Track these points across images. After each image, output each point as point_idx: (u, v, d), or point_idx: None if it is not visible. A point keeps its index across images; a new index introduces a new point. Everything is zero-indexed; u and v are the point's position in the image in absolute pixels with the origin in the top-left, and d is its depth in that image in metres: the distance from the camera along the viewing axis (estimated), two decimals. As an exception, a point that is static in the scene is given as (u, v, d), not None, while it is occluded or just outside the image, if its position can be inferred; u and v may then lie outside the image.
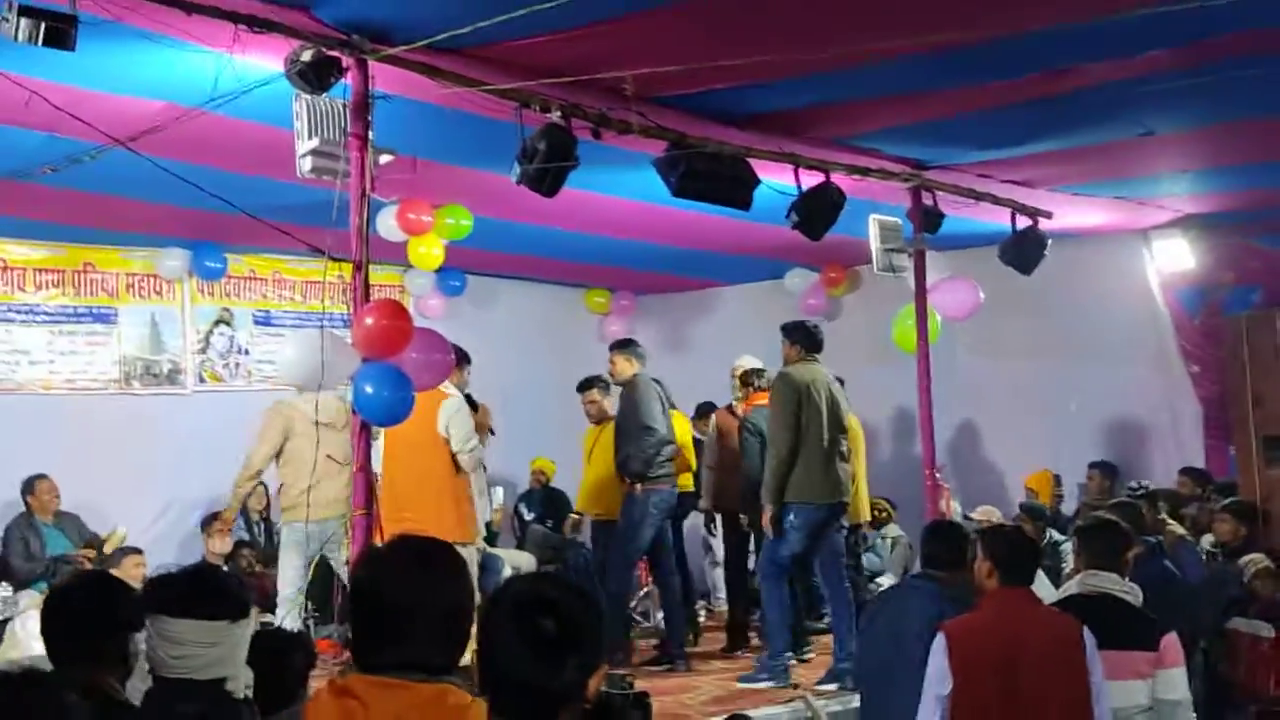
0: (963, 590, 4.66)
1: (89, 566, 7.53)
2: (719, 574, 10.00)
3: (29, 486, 8.60)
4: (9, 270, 9.22)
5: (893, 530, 10.10)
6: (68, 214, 8.36)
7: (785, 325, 7.99)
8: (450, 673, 2.35)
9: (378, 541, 5.22)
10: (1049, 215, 8.63)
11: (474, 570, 6.75)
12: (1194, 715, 4.56)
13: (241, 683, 3.22)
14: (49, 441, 9.06)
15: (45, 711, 2.21)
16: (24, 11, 4.30)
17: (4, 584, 7.87)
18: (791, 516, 7.40)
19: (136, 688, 3.49)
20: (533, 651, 2.06)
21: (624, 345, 8.59)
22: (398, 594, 2.35)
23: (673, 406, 8.51)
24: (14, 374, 9.22)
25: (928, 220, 8.05)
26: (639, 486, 8.04)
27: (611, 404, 8.72)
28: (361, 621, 2.39)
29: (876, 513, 10.26)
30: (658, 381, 8.35)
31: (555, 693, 2.08)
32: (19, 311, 9.26)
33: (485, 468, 7.61)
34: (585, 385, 8.84)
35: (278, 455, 7.67)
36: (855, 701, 6.69)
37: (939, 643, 4.31)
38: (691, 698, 7.10)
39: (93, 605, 3.26)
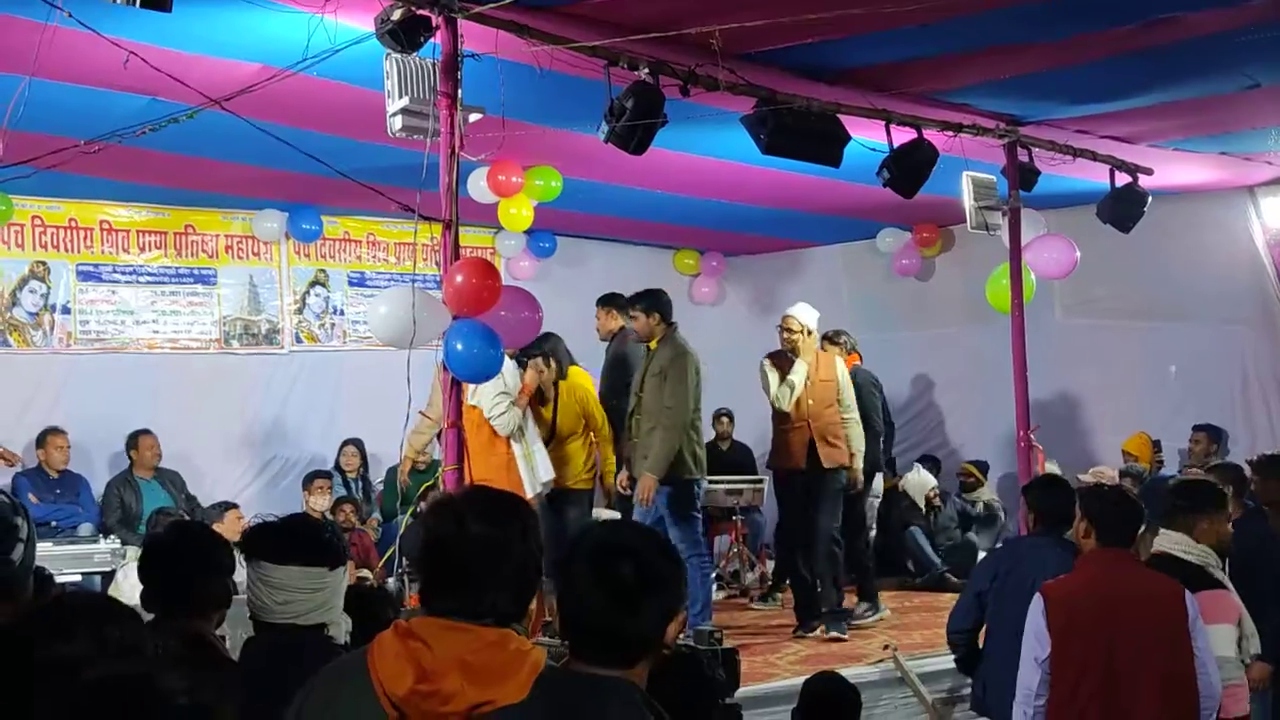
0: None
1: (230, 517, 7.71)
2: None
3: (132, 441, 8.90)
4: (114, 232, 9.49)
5: (985, 494, 9.98)
6: (169, 177, 8.56)
7: (644, 294, 7.34)
8: (516, 621, 2.39)
9: None
10: (1149, 172, 8.42)
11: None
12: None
13: (342, 629, 3.29)
14: (152, 399, 9.35)
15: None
16: (123, -26, 4.40)
17: (112, 537, 8.13)
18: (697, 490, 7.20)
19: (237, 635, 3.59)
20: (611, 597, 2.08)
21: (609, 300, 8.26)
22: (468, 542, 2.39)
23: (573, 363, 7.99)
24: (120, 333, 9.51)
25: (1023, 177, 7.91)
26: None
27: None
28: (431, 567, 2.43)
29: (965, 478, 10.18)
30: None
31: (633, 637, 2.10)
32: (124, 273, 9.53)
33: (523, 429, 7.26)
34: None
35: None
36: (948, 662, 6.68)
37: (1037, 605, 4.24)
38: (780, 656, 7.11)
39: (189, 554, 3.33)
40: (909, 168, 7.06)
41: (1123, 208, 8.34)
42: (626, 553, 2.10)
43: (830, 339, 8.77)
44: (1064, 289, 9.89)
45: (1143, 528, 4.46)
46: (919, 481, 10.01)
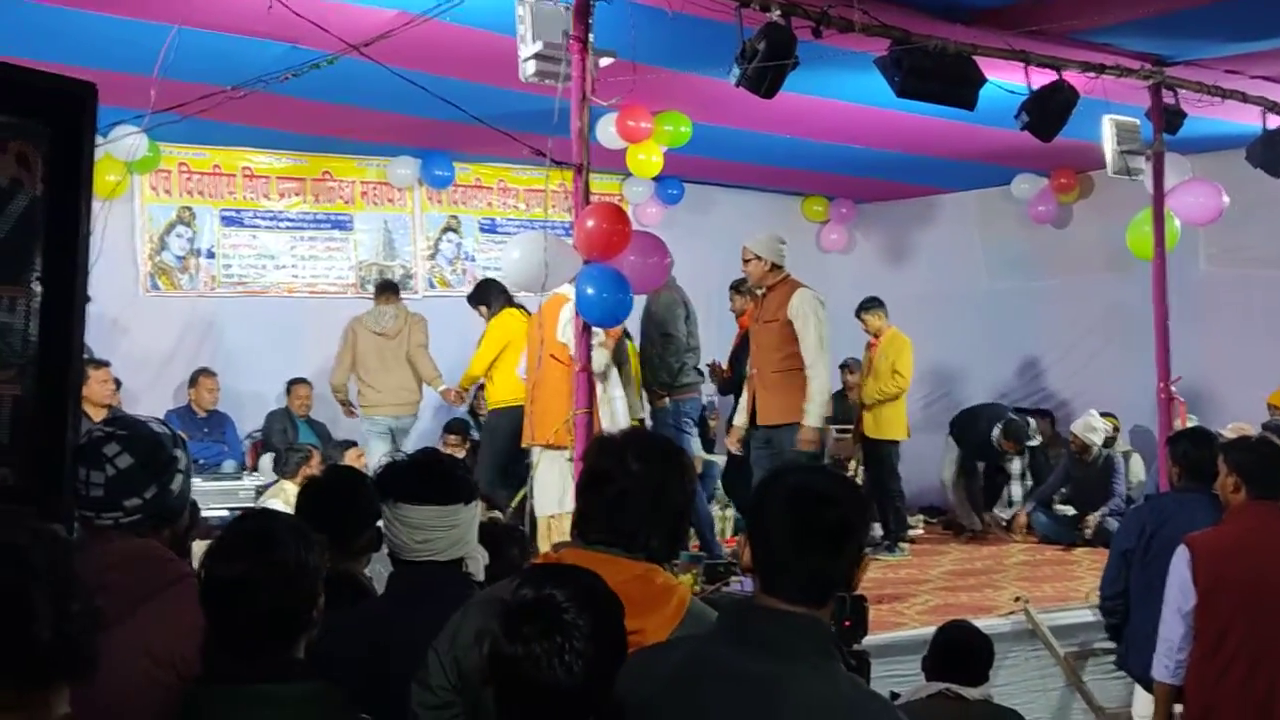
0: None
1: (316, 457, 7.95)
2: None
3: (288, 389, 9.34)
4: (255, 179, 9.77)
5: (1121, 446, 9.74)
6: (307, 124, 8.76)
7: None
8: (666, 560, 2.43)
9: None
10: (1303, 113, 8.06)
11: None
12: None
13: (480, 564, 3.38)
14: (292, 342, 9.64)
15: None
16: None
17: (255, 474, 8.43)
18: None
19: (378, 572, 3.70)
20: (816, 541, 2.12)
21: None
22: (628, 478, 2.44)
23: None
24: (261, 277, 9.81)
25: (1168, 120, 7.64)
26: (665, 398, 7.83)
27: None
28: (589, 501, 2.49)
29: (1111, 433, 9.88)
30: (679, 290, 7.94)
31: (832, 579, 2.15)
32: (264, 218, 9.81)
33: (611, 372, 7.25)
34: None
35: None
36: (1081, 616, 6.59)
37: (1182, 556, 4.15)
38: (908, 606, 7.08)
39: (343, 500, 3.43)
40: (1048, 111, 6.87)
41: (1274, 151, 8.00)
42: (828, 499, 2.14)
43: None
44: (1209, 236, 9.55)
45: None
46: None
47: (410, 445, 8.59)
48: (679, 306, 7.97)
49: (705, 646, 2.17)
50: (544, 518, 6.95)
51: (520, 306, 8.34)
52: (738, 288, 8.88)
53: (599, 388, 7.09)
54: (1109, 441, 9.70)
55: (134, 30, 6.21)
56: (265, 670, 2.19)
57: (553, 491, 6.87)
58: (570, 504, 3.68)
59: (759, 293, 7.33)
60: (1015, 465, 10.05)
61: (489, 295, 8.50)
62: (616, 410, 7.23)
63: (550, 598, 1.92)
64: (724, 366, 9.07)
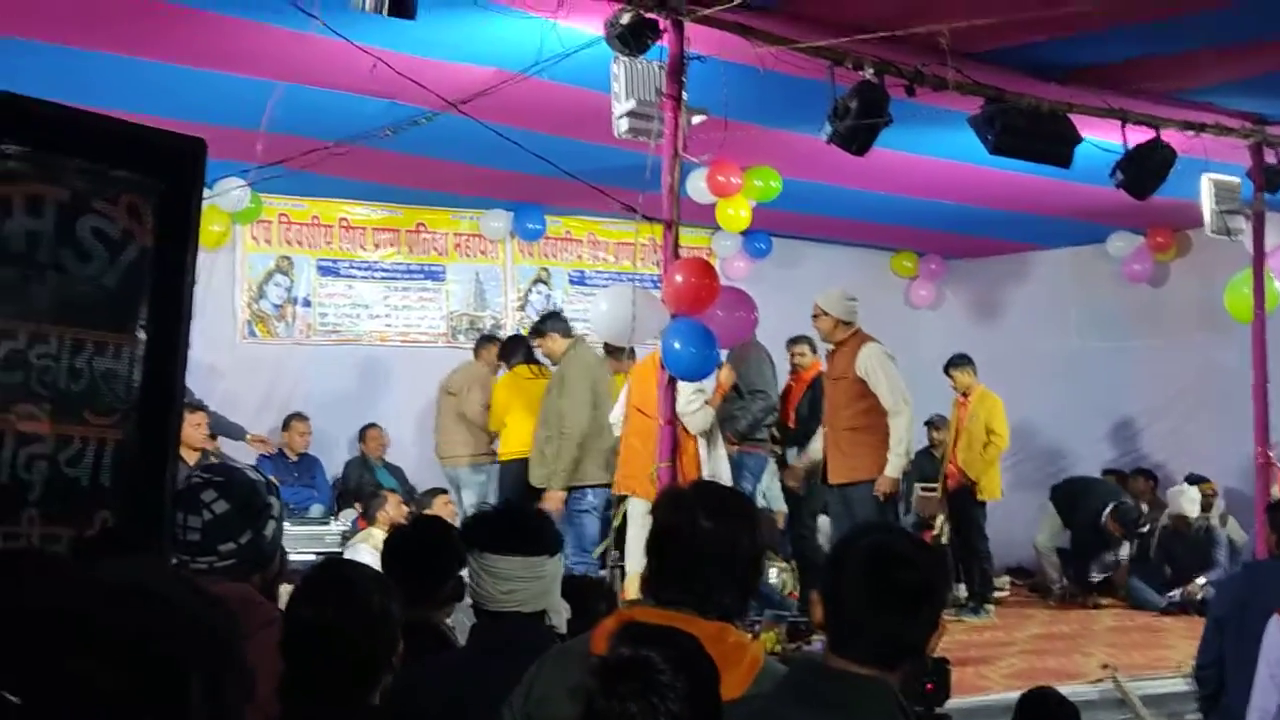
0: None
1: (392, 500, 8.05)
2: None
3: (361, 434, 9.44)
4: (352, 230, 9.98)
5: (1218, 509, 9.49)
6: (403, 177, 8.95)
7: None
8: (738, 617, 2.42)
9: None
10: None
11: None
12: None
13: (563, 617, 3.38)
14: (384, 390, 9.80)
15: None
16: (370, -16, 4.64)
17: (342, 517, 8.55)
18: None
19: (460, 622, 3.72)
20: (890, 604, 2.11)
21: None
22: (698, 536, 2.44)
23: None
24: (355, 326, 10.00)
25: (1269, 179, 7.51)
26: (734, 446, 7.67)
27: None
28: (659, 558, 2.51)
29: (1207, 498, 9.62)
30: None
31: (905, 645, 2.14)
32: (359, 268, 10.02)
33: (716, 433, 7.26)
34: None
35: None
36: (1172, 685, 6.41)
37: (1276, 625, 4.06)
38: (992, 669, 6.95)
39: (429, 549, 3.47)
40: (1145, 169, 6.80)
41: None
42: (907, 562, 2.13)
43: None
44: (1311, 298, 9.32)
45: None
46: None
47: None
48: (767, 365, 7.99)
49: (773, 706, 2.16)
50: (634, 575, 6.88)
51: (537, 363, 8.50)
52: (796, 342, 8.66)
53: (703, 445, 7.06)
54: (1207, 505, 9.46)
55: (241, 87, 6.43)
56: (341, 715, 2.22)
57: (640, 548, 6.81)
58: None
59: (829, 349, 7.31)
60: (1124, 550, 9.71)
61: (512, 351, 8.76)
62: (720, 472, 7.17)
63: (648, 658, 1.92)
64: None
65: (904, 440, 6.83)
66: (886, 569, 2.12)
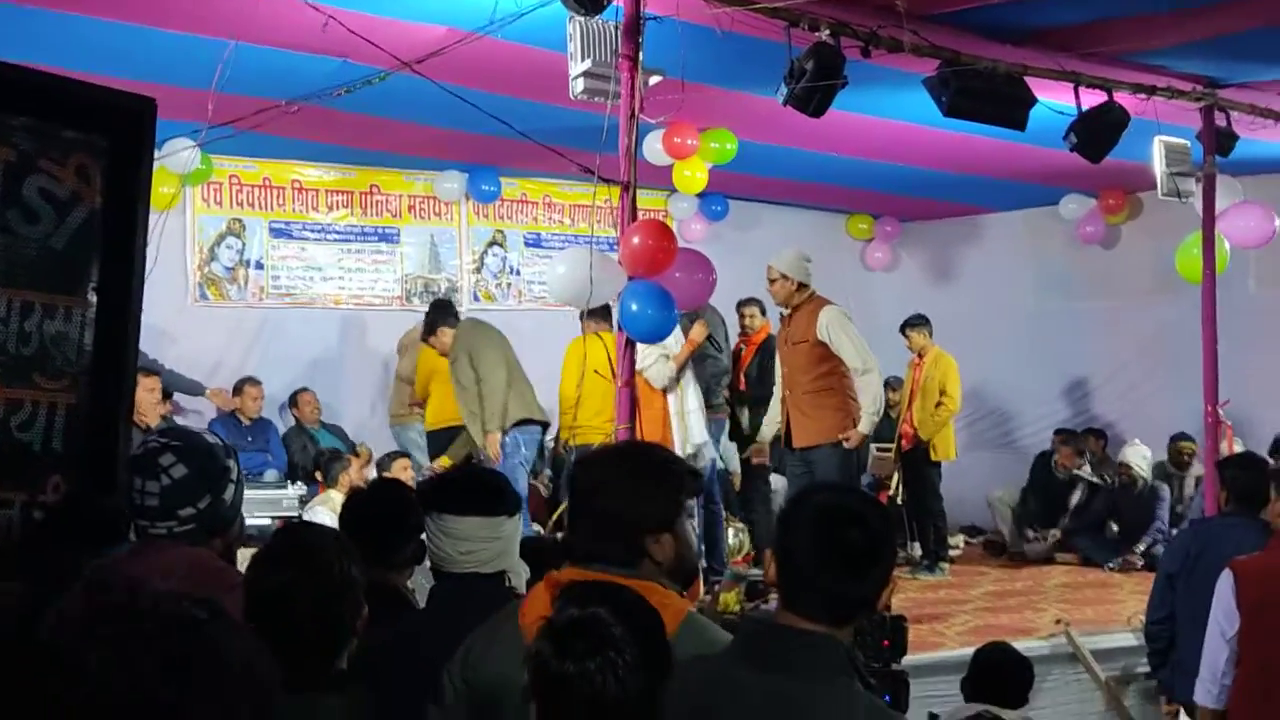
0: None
1: (354, 463, 8.02)
2: None
3: (292, 400, 9.33)
4: (304, 191, 9.87)
5: (1196, 469, 9.62)
6: (356, 138, 8.84)
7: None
8: (666, 576, 2.43)
9: None
10: (1359, 136, 7.97)
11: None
12: None
13: (522, 578, 3.37)
14: (337, 353, 9.73)
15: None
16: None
17: (299, 483, 8.49)
18: None
19: (420, 584, 3.71)
20: (840, 562, 2.12)
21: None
22: (616, 494, 2.44)
23: None
24: (309, 288, 9.90)
25: (1220, 142, 7.58)
26: None
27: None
28: (577, 518, 2.52)
29: (1185, 458, 9.76)
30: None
31: (854, 601, 2.15)
32: (312, 230, 9.91)
33: (687, 386, 7.19)
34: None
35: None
36: (1123, 639, 6.53)
37: (1227, 581, 4.13)
38: (947, 626, 7.04)
39: (387, 512, 3.46)
40: (1098, 132, 6.84)
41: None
42: (855, 518, 2.14)
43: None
44: (1259, 260, 9.44)
45: None
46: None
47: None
48: (720, 328, 7.97)
49: (723, 665, 2.17)
50: None
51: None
52: (747, 304, 8.61)
53: (672, 400, 7.04)
54: (1185, 464, 9.60)
55: (191, 45, 6.31)
56: (307, 680, 2.21)
57: None
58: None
59: (784, 313, 7.21)
60: (1075, 497, 9.86)
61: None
62: (691, 425, 7.15)
63: (596, 614, 1.93)
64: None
65: (878, 398, 6.89)
66: (834, 525, 2.13)
